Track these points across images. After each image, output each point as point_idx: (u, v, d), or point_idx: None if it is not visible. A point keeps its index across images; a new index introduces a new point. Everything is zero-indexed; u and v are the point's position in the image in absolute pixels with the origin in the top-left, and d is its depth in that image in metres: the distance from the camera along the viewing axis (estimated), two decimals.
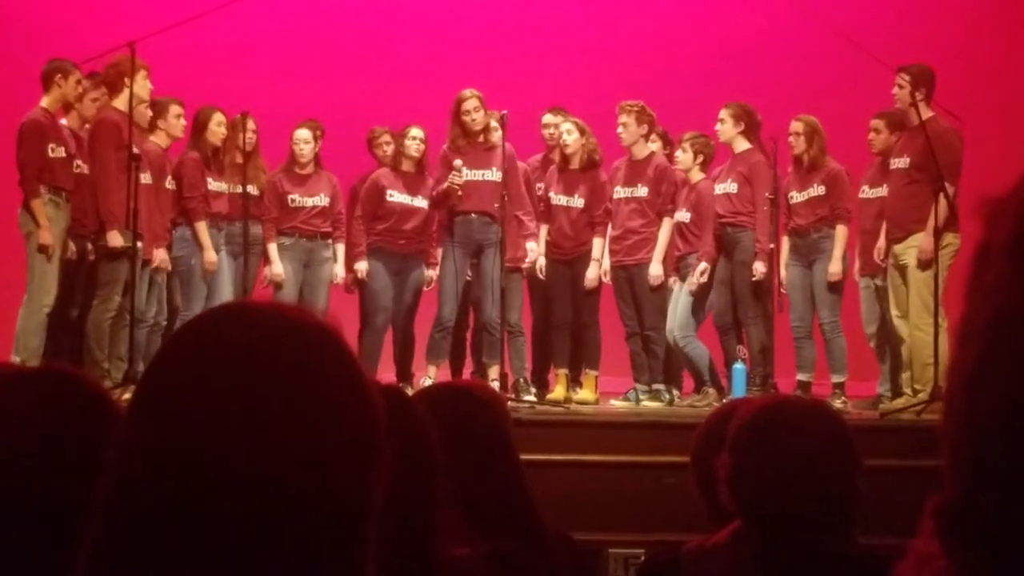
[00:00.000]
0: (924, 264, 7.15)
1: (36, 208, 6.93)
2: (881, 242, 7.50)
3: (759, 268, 7.55)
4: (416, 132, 7.98)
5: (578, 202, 7.97)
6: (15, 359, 6.92)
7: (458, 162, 7.59)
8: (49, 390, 1.62)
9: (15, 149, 7.02)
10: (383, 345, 7.97)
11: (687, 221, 7.88)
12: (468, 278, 7.90)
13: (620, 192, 7.99)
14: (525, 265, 7.85)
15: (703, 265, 7.74)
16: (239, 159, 7.79)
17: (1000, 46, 10.00)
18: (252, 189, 7.82)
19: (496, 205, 7.52)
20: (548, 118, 8.23)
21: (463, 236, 7.69)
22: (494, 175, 7.64)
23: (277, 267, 7.95)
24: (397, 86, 9.88)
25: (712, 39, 10.31)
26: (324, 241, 8.05)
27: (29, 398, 1.60)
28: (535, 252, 7.81)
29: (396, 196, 7.91)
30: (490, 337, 7.73)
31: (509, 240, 7.52)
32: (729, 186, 7.73)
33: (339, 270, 8.08)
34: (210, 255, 7.68)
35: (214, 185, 7.81)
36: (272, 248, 7.96)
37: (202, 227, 7.69)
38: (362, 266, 7.92)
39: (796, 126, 7.69)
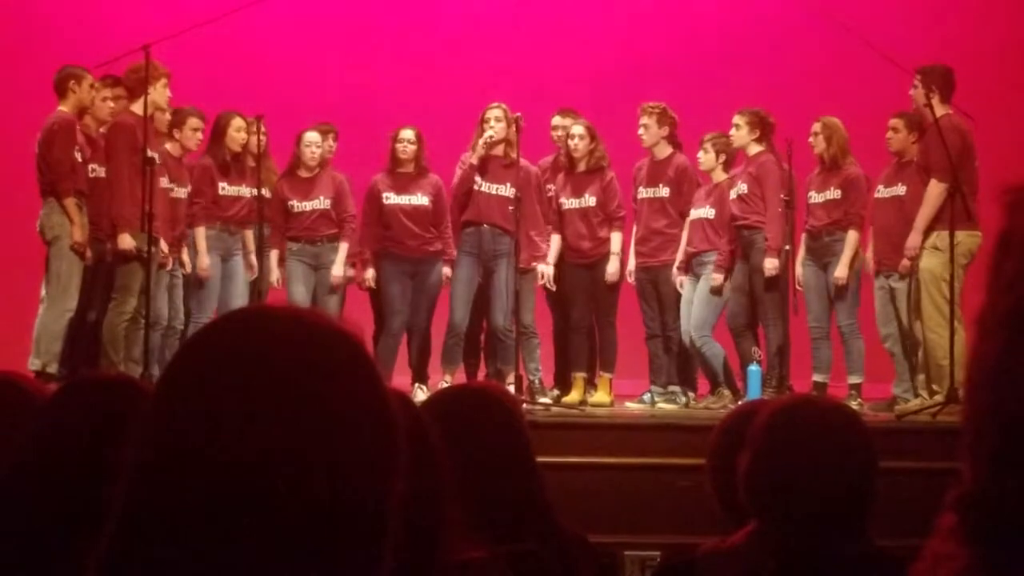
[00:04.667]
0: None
1: (70, 207, 6.93)
2: (910, 240, 7.39)
3: (768, 265, 7.53)
4: (405, 134, 7.89)
5: (590, 201, 7.95)
6: (34, 362, 6.94)
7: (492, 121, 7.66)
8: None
9: (43, 150, 6.98)
10: (399, 348, 7.93)
11: (711, 218, 7.87)
12: (480, 281, 7.88)
13: (643, 192, 8.01)
14: (540, 282, 7.85)
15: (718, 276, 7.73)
16: (251, 163, 7.80)
17: (1017, 44, 9.95)
18: (266, 192, 7.82)
19: (511, 207, 7.52)
20: (558, 120, 8.23)
21: (473, 246, 7.76)
22: (507, 191, 7.67)
23: (274, 275, 7.90)
24: (412, 85, 9.87)
25: (729, 41, 10.28)
26: (331, 244, 7.92)
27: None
28: (547, 272, 7.84)
29: (393, 198, 7.85)
30: (502, 343, 7.74)
31: (522, 249, 7.49)
32: (741, 187, 7.74)
33: (336, 269, 7.88)
34: (203, 260, 7.68)
35: (231, 190, 7.82)
36: (273, 255, 7.88)
37: (200, 232, 7.71)
38: (369, 274, 7.91)
39: (815, 126, 7.74)
